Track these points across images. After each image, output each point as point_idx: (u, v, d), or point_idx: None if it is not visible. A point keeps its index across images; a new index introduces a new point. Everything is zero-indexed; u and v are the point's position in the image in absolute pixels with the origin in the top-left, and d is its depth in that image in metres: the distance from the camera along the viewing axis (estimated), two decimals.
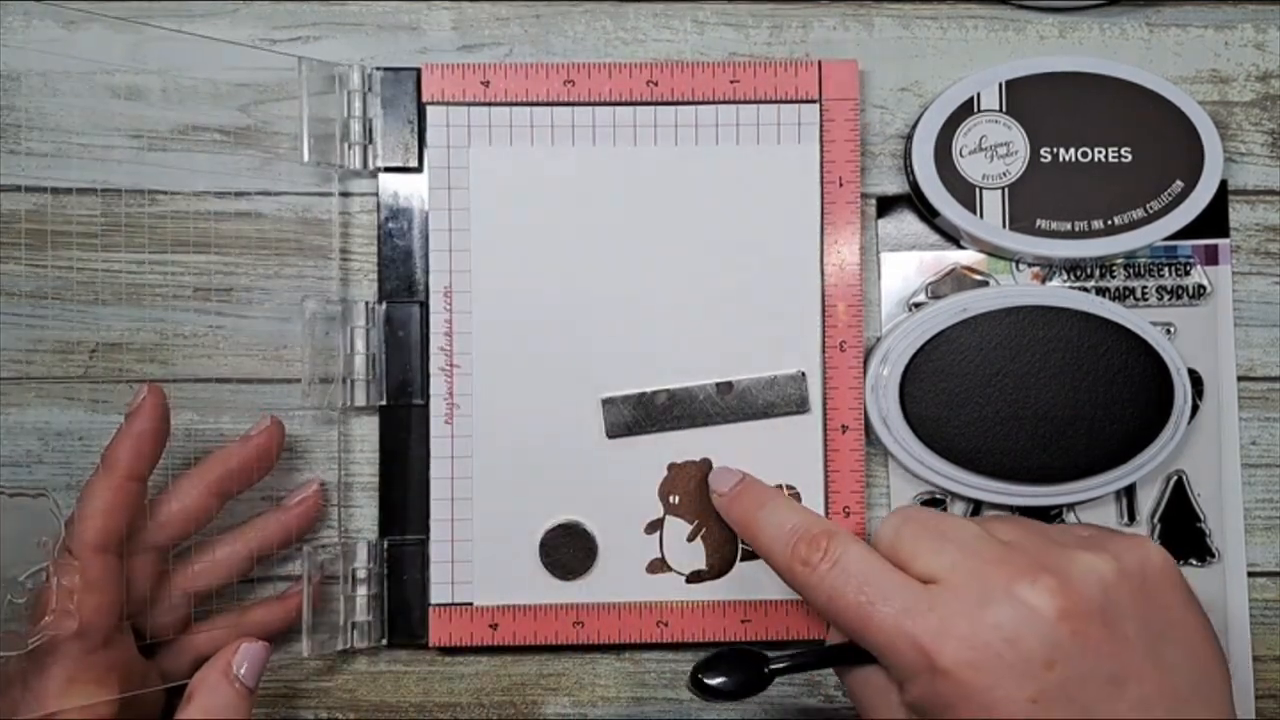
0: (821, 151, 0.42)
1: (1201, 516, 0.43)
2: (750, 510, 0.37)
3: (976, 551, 0.32)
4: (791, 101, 0.42)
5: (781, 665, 0.35)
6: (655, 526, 0.42)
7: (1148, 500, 0.43)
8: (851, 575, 0.33)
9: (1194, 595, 0.33)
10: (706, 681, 0.34)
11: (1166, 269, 0.44)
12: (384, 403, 0.42)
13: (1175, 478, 0.43)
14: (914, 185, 0.43)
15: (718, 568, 0.42)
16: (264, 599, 0.41)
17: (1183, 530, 0.43)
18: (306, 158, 0.41)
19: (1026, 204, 0.42)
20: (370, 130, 0.42)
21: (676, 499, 0.42)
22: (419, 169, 0.42)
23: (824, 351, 0.42)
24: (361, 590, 0.41)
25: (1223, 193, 0.44)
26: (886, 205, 0.44)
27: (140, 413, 0.37)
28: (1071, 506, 0.43)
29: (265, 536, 0.40)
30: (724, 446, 0.42)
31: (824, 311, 0.42)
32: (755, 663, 0.35)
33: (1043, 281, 0.44)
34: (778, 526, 0.35)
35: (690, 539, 0.42)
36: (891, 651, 0.32)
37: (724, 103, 0.42)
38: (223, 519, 0.41)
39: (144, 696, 0.37)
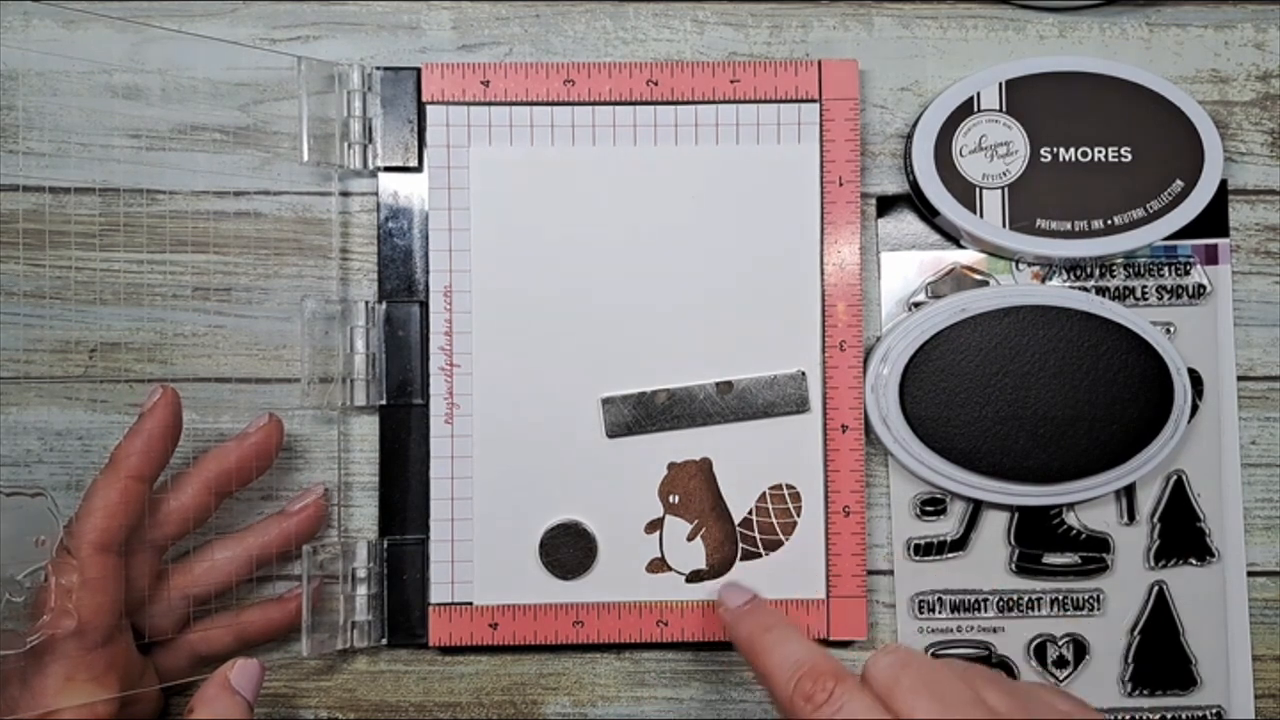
0: (821, 151, 0.42)
1: (1201, 516, 0.43)
2: (756, 632, 0.37)
3: None
4: (791, 101, 0.42)
5: None
6: (655, 526, 0.42)
7: (1148, 500, 0.43)
8: None
9: None
10: None
11: (1166, 269, 0.44)
12: (384, 402, 0.42)
13: (1175, 477, 0.43)
14: (914, 185, 0.43)
15: (718, 567, 0.42)
16: (263, 600, 0.41)
17: (1183, 530, 0.43)
18: (306, 157, 0.41)
19: (1026, 204, 0.42)
20: (370, 130, 0.42)
21: (676, 499, 0.42)
22: (419, 169, 0.42)
23: (824, 351, 0.42)
24: (361, 590, 0.41)
25: (1223, 192, 0.44)
26: (886, 205, 0.44)
27: (154, 413, 0.37)
28: (1071, 506, 0.43)
29: (265, 541, 0.41)
30: (724, 446, 0.42)
31: (824, 311, 0.42)
32: None
33: (1043, 281, 0.44)
34: (784, 656, 0.35)
35: (690, 538, 0.42)
36: None
37: (724, 102, 0.42)
38: (223, 518, 0.41)
39: (142, 695, 0.38)
